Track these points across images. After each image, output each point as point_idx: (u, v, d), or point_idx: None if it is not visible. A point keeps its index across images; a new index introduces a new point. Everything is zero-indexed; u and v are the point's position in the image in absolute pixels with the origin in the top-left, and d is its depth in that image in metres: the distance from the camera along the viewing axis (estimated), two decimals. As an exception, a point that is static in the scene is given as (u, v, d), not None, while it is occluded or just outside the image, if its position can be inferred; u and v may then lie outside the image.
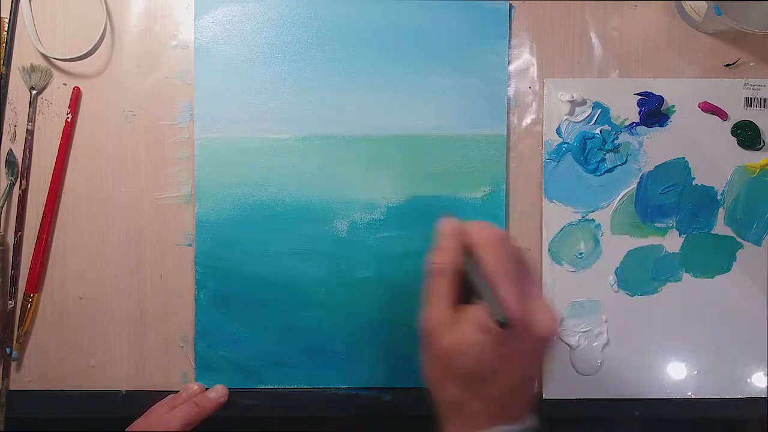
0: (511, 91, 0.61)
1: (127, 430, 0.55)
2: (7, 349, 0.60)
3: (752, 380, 0.62)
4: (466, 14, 0.61)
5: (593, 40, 0.61)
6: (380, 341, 0.61)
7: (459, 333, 0.44)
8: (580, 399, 0.61)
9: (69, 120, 0.60)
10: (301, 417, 0.62)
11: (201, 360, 0.60)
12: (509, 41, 0.61)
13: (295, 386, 0.61)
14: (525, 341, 0.43)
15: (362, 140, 0.60)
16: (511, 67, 0.61)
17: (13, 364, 0.60)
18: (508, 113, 0.61)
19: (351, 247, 0.61)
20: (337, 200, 0.60)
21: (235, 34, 0.60)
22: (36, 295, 0.60)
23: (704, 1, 0.57)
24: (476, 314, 0.43)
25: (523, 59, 0.61)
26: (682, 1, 0.60)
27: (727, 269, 0.62)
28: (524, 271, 0.45)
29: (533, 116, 0.61)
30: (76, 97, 0.60)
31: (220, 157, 0.60)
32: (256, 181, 0.60)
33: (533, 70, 0.61)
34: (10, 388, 0.60)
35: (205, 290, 0.60)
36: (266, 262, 0.60)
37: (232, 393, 0.60)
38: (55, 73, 0.60)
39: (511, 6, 0.61)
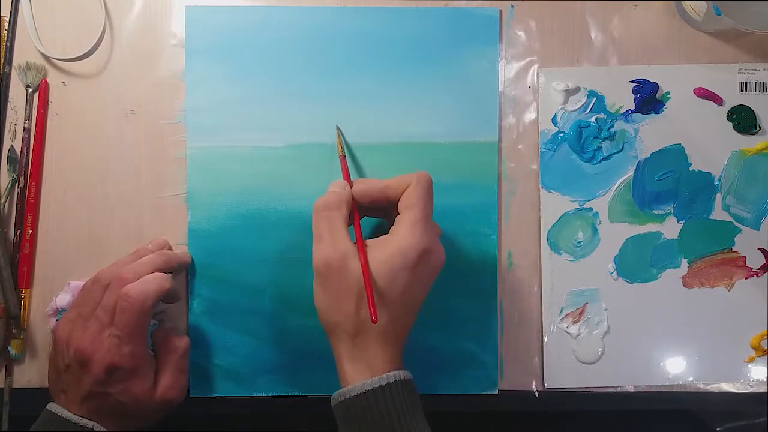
0: (511, 91, 0.61)
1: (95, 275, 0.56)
2: (9, 348, 0.60)
3: (752, 365, 0.61)
4: (456, 21, 0.61)
5: (593, 40, 0.61)
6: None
7: (371, 258, 0.50)
8: (581, 387, 0.61)
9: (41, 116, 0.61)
10: (296, 424, 0.62)
11: (194, 368, 0.60)
12: (508, 42, 0.61)
13: (290, 393, 0.61)
14: (431, 264, 0.51)
15: (354, 148, 0.60)
16: (511, 67, 0.61)
17: (15, 363, 0.61)
18: (508, 112, 0.61)
19: None
20: None
21: (227, 43, 0.60)
22: (34, 293, 0.60)
23: (704, 1, 0.57)
24: (389, 241, 0.50)
25: (523, 59, 0.61)
26: (682, 1, 0.60)
27: (727, 254, 0.62)
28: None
29: (533, 115, 0.61)
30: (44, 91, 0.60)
31: (212, 166, 0.60)
32: (248, 190, 0.60)
33: (533, 70, 0.61)
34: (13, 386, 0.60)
35: (198, 299, 0.60)
36: (259, 270, 0.60)
37: (228, 401, 0.61)
38: (54, 71, 0.61)
39: (511, 5, 0.61)
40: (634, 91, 0.61)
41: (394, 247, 0.50)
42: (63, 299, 0.59)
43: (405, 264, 0.49)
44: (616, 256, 0.61)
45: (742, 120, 0.60)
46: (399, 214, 0.52)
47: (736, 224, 0.61)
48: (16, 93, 0.60)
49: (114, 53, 0.61)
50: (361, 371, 0.49)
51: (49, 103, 0.61)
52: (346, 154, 0.59)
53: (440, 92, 0.61)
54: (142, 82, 0.61)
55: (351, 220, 0.53)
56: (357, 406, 0.48)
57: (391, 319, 0.50)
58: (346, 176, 0.56)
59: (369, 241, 0.51)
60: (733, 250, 0.61)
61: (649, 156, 0.61)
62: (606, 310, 0.61)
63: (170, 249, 0.60)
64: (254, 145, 0.60)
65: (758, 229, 0.61)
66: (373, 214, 0.57)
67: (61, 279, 0.60)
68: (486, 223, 0.61)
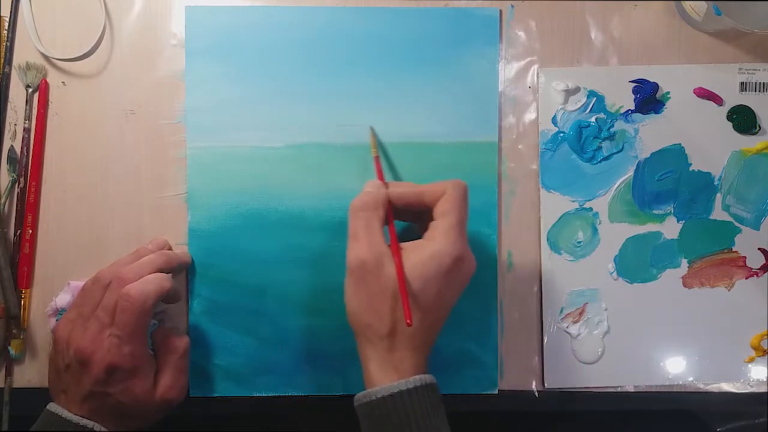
0: (511, 91, 0.61)
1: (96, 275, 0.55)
2: (9, 348, 0.60)
3: (752, 365, 0.61)
4: (456, 21, 0.61)
5: (593, 40, 0.61)
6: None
7: (406, 261, 0.50)
8: (581, 387, 0.61)
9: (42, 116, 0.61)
10: (296, 424, 0.62)
11: (194, 368, 0.60)
12: (508, 42, 0.61)
13: (290, 393, 0.61)
14: (463, 271, 0.51)
15: (354, 148, 0.60)
16: (511, 67, 0.61)
17: (15, 363, 0.61)
18: (508, 112, 0.61)
19: (343, 254, 0.60)
20: (330, 208, 0.60)
21: (227, 43, 0.60)
22: (34, 293, 0.61)
23: (704, 1, 0.57)
24: (425, 245, 0.51)
25: (523, 59, 0.61)
26: (682, 1, 0.60)
27: (727, 254, 0.62)
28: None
29: (533, 115, 0.61)
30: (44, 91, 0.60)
31: (212, 166, 0.60)
32: (248, 190, 0.60)
33: (533, 70, 0.61)
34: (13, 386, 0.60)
35: (198, 299, 0.60)
36: (259, 270, 0.60)
37: (228, 401, 0.61)
38: (54, 71, 0.61)
39: (511, 5, 0.61)
40: (634, 91, 0.61)
41: (429, 252, 0.50)
42: (63, 299, 0.59)
43: (439, 269, 0.50)
44: (616, 256, 0.61)
45: (742, 120, 0.60)
46: (433, 219, 0.52)
47: (736, 224, 0.61)
48: (16, 93, 0.60)
49: (114, 53, 0.61)
50: (388, 374, 0.49)
51: (49, 103, 0.61)
52: (380, 154, 0.59)
53: (440, 92, 0.61)
54: (142, 82, 0.61)
55: (385, 222, 0.53)
56: (382, 407, 0.48)
57: (421, 324, 0.50)
58: (381, 177, 0.56)
59: (403, 245, 0.51)
60: (733, 250, 0.61)
61: (649, 156, 0.61)
62: (606, 310, 0.61)
63: (170, 249, 0.60)
64: (254, 145, 0.60)
65: (758, 229, 0.61)
66: (403, 218, 0.57)
67: (61, 279, 0.60)
68: (486, 223, 0.61)
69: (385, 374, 0.49)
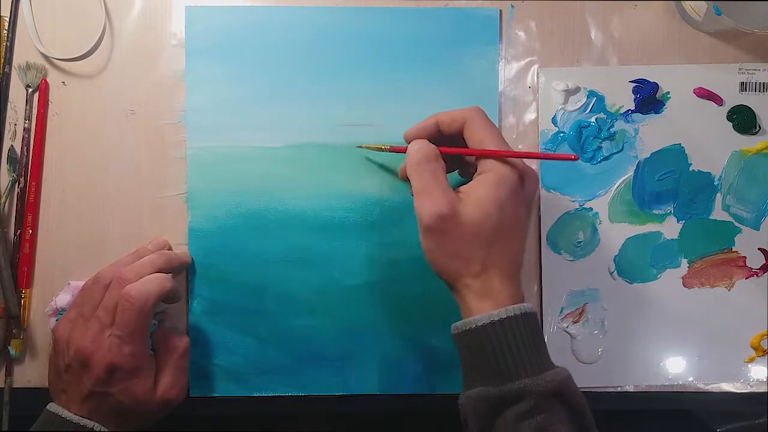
0: (511, 91, 0.61)
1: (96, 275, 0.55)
2: (9, 348, 0.60)
3: (752, 365, 0.61)
4: (456, 21, 0.61)
5: (593, 40, 0.61)
6: (373, 348, 0.61)
7: (476, 197, 0.49)
8: (581, 387, 0.61)
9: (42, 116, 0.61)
10: (296, 424, 0.62)
11: (194, 368, 0.60)
12: (508, 42, 0.61)
13: (290, 393, 0.61)
14: (530, 185, 0.51)
15: (354, 148, 0.60)
16: (511, 67, 0.61)
17: (15, 363, 0.61)
18: (508, 112, 0.61)
19: (343, 254, 0.61)
20: (329, 208, 0.60)
21: (227, 43, 0.60)
22: (34, 293, 0.61)
23: (704, 1, 0.57)
24: (487, 176, 0.50)
25: (523, 59, 0.61)
26: (682, 1, 0.60)
27: (726, 254, 0.62)
28: None
29: (533, 115, 0.61)
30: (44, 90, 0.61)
31: (212, 166, 0.60)
32: (248, 190, 0.60)
33: (533, 70, 0.61)
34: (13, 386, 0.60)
35: (198, 299, 0.61)
36: (259, 270, 0.60)
37: (228, 401, 0.61)
38: (54, 71, 0.61)
39: (511, 5, 0.61)
40: (634, 91, 0.61)
41: (492, 180, 0.49)
42: (63, 299, 0.59)
43: (509, 192, 0.49)
44: (616, 256, 0.61)
45: (742, 120, 0.60)
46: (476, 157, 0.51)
47: (736, 224, 0.61)
48: (16, 93, 0.60)
49: (114, 53, 0.61)
50: (486, 303, 0.49)
51: (49, 103, 0.61)
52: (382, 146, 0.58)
53: (440, 92, 0.61)
54: (142, 82, 0.61)
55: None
56: (482, 335, 0.48)
57: (507, 252, 0.49)
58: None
59: (463, 187, 0.51)
60: (733, 250, 0.61)
61: (649, 156, 0.61)
62: (606, 310, 0.61)
63: (170, 249, 0.60)
64: (254, 145, 0.60)
65: (758, 229, 0.61)
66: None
67: (61, 279, 0.60)
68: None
69: (483, 304, 0.49)
